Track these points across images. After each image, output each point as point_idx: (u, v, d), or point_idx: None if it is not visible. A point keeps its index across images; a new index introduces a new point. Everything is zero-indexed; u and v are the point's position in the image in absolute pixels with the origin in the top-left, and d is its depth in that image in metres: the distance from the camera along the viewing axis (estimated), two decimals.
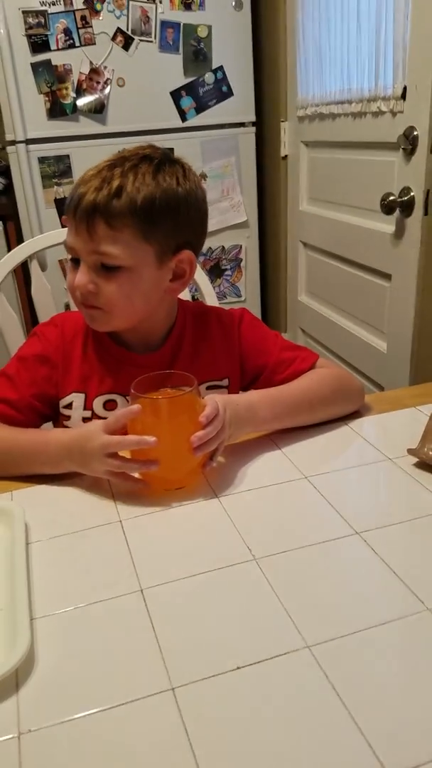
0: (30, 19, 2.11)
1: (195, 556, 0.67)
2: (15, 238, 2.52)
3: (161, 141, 2.31)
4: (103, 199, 0.81)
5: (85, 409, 0.94)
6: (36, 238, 1.34)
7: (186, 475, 0.81)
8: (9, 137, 2.23)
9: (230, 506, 0.76)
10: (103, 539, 0.71)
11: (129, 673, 0.53)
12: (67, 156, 2.29)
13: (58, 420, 0.98)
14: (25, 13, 2.10)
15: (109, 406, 0.94)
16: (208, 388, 0.98)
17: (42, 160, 2.27)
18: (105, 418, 0.81)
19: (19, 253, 1.30)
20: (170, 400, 0.79)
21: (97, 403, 0.94)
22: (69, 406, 0.95)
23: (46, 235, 1.32)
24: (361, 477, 0.82)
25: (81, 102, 2.23)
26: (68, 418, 0.95)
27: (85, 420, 0.94)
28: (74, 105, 2.23)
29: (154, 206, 0.83)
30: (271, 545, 0.68)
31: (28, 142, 2.22)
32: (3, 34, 2.09)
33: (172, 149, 2.32)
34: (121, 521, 0.74)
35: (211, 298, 1.33)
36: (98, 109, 2.24)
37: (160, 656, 0.55)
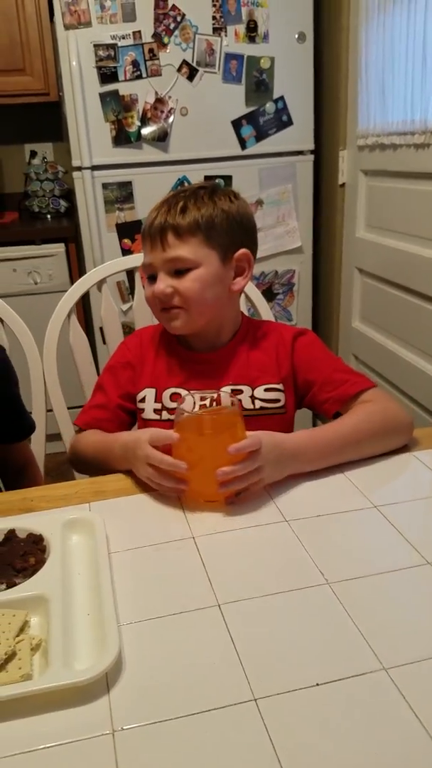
0: (101, 52, 2.22)
1: (268, 577, 0.70)
2: (76, 260, 2.62)
3: (221, 168, 2.39)
4: (172, 218, 0.98)
5: (155, 401, 1.07)
6: (107, 264, 1.40)
7: (218, 493, 0.83)
8: (75, 163, 2.33)
9: (300, 530, 0.78)
10: (178, 554, 0.75)
11: (212, 683, 0.56)
12: (130, 182, 2.37)
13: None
14: (97, 46, 2.21)
15: (174, 397, 1.05)
16: (265, 390, 1.05)
17: (106, 185, 2.36)
18: (173, 409, 0.93)
19: (93, 276, 1.37)
20: (210, 419, 0.86)
21: (165, 396, 1.06)
22: (143, 399, 1.08)
23: (115, 261, 1.39)
24: (428, 508, 0.84)
25: (145, 130, 2.31)
26: (143, 410, 1.08)
27: (156, 411, 1.06)
28: (139, 133, 2.31)
29: (213, 218, 0.99)
30: (343, 571, 0.70)
31: (94, 168, 2.32)
32: (75, 66, 2.19)
33: (230, 176, 2.42)
34: (194, 537, 0.78)
35: (267, 317, 1.37)
36: (161, 137, 2.33)
37: (241, 668, 0.57)
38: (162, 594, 0.68)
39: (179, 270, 0.99)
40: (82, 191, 2.34)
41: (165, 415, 1.04)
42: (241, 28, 2.26)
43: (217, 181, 2.39)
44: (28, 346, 1.31)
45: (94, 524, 0.77)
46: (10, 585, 0.67)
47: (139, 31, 2.21)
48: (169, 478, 0.84)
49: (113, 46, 2.21)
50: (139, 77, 2.25)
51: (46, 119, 2.97)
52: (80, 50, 2.19)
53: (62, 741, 0.51)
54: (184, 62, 2.25)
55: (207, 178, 2.37)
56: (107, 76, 2.24)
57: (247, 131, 2.39)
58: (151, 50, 2.23)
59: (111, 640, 0.58)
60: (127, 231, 2.43)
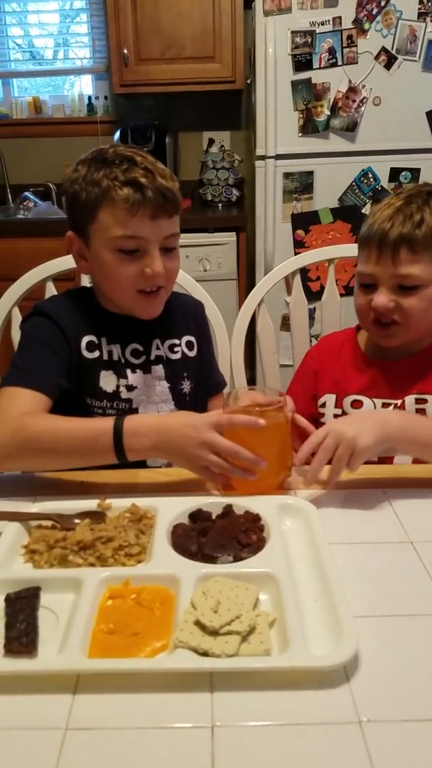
0: (297, 39, 2.21)
1: None
2: (245, 249, 2.65)
3: (409, 161, 2.30)
4: (408, 231, 0.94)
5: (336, 407, 1.06)
6: (306, 254, 1.39)
7: (270, 485, 0.85)
8: (260, 152, 2.35)
9: None
10: (397, 556, 0.73)
11: None
12: (312, 172, 2.36)
13: None
14: (294, 33, 2.20)
15: (355, 405, 1.03)
16: None
17: (287, 175, 2.36)
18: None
19: (290, 265, 1.37)
20: (266, 412, 0.83)
21: (346, 403, 1.05)
22: (323, 405, 1.07)
23: (316, 251, 1.38)
24: None
25: (334, 120, 2.28)
26: (322, 415, 1.08)
27: (336, 417, 1.04)
28: (327, 123, 2.29)
29: None
30: None
31: (277, 157, 2.33)
32: (271, 53, 2.21)
33: (418, 169, 2.32)
34: (412, 542, 0.76)
35: None
36: (350, 128, 2.28)
37: None
38: (385, 591, 0.67)
39: (405, 286, 0.95)
40: (263, 180, 2.36)
41: None
42: None
43: (403, 173, 2.31)
44: (219, 330, 1.33)
45: (309, 512, 0.78)
46: (237, 558, 0.70)
47: (340, 17, 2.17)
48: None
49: (311, 33, 2.20)
50: (334, 65, 2.22)
51: (226, 108, 3.02)
52: (277, 37, 2.19)
53: (309, 721, 0.52)
54: (383, 49, 2.19)
55: (393, 170, 2.30)
56: (301, 63, 2.24)
57: None
58: (349, 37, 2.19)
59: (349, 631, 0.58)
60: (302, 222, 2.42)
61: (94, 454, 0.86)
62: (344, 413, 1.04)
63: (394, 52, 2.19)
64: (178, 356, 1.10)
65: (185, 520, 0.79)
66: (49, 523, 0.80)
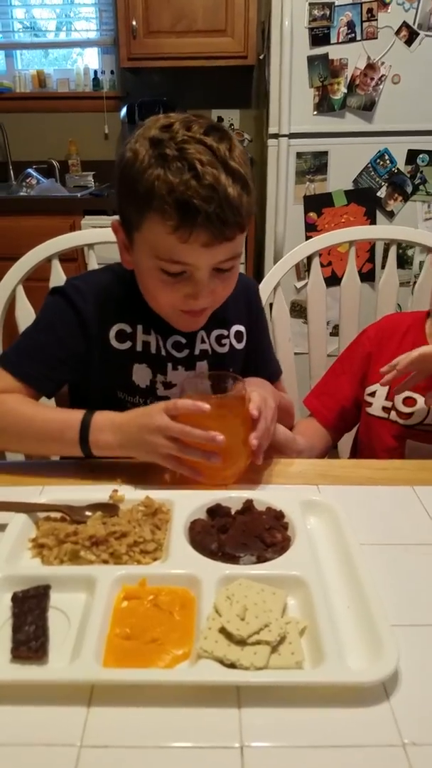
0: (315, 12, 2.13)
1: None
2: (253, 232, 2.58)
3: (428, 143, 2.23)
4: None
5: (386, 399, 0.98)
6: (334, 232, 1.32)
7: (233, 475, 0.81)
8: (272, 130, 2.27)
9: None
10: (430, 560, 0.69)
11: None
12: (326, 152, 2.28)
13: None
14: (312, 5, 2.12)
15: (408, 402, 0.95)
16: None
17: (300, 155, 2.29)
18: (406, 414, 0.86)
19: (307, 248, 1.31)
20: (225, 400, 0.80)
21: (398, 398, 0.97)
22: (372, 394, 1.00)
23: (330, 234, 1.32)
24: None
25: (351, 98, 2.20)
26: (369, 404, 1.00)
27: (384, 409, 0.98)
28: (343, 101, 2.21)
29: None
30: None
31: (291, 136, 2.25)
32: (287, 26, 2.12)
33: None
34: None
35: None
36: (367, 107, 2.21)
37: None
38: (426, 599, 0.62)
39: None
40: (275, 160, 2.29)
41: (393, 416, 0.97)
42: None
43: (421, 156, 2.23)
44: None
45: (336, 510, 0.73)
46: (261, 559, 0.65)
47: None
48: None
49: (330, 5, 2.11)
50: (353, 40, 2.14)
51: (236, 85, 2.95)
52: (294, 9, 2.11)
53: (347, 742, 0.47)
54: (404, 24, 2.10)
55: (411, 152, 2.23)
56: (318, 38, 2.16)
57: None
58: (369, 10, 2.10)
59: (389, 642, 0.53)
60: (315, 204, 2.35)
61: (60, 445, 0.83)
62: (394, 408, 0.96)
63: (415, 27, 2.10)
64: (225, 349, 0.98)
65: (203, 515, 0.74)
66: (58, 515, 0.76)
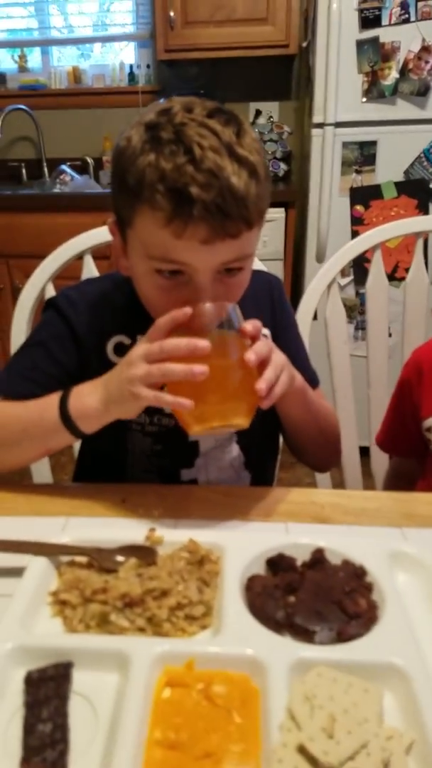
0: None
1: None
2: (294, 226, 2.43)
3: None
4: None
5: None
6: (387, 225, 1.17)
7: (217, 414, 0.65)
8: (317, 119, 2.12)
9: None
10: None
11: None
12: (375, 142, 2.12)
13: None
14: None
15: None
16: None
17: (346, 144, 2.13)
18: None
19: (367, 240, 1.16)
20: (215, 335, 0.66)
21: None
22: (429, 429, 0.85)
23: (399, 223, 1.16)
24: None
25: (403, 83, 2.04)
26: (430, 441, 0.83)
27: None
28: (395, 86, 2.05)
29: None
30: None
31: (337, 125, 2.10)
32: (335, 8, 1.97)
33: None
34: None
35: None
36: (422, 92, 2.04)
37: None
38: None
39: None
40: (320, 150, 2.13)
41: None
42: None
43: None
44: None
45: (430, 563, 0.58)
46: (343, 635, 0.50)
47: None
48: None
49: None
50: (406, 21, 1.98)
51: (276, 76, 2.82)
52: None
53: None
54: None
55: None
56: (369, 20, 2.00)
57: None
58: None
59: None
60: (362, 196, 2.19)
61: (44, 433, 0.74)
62: None
63: None
64: None
65: (262, 568, 0.59)
66: (84, 559, 0.62)
